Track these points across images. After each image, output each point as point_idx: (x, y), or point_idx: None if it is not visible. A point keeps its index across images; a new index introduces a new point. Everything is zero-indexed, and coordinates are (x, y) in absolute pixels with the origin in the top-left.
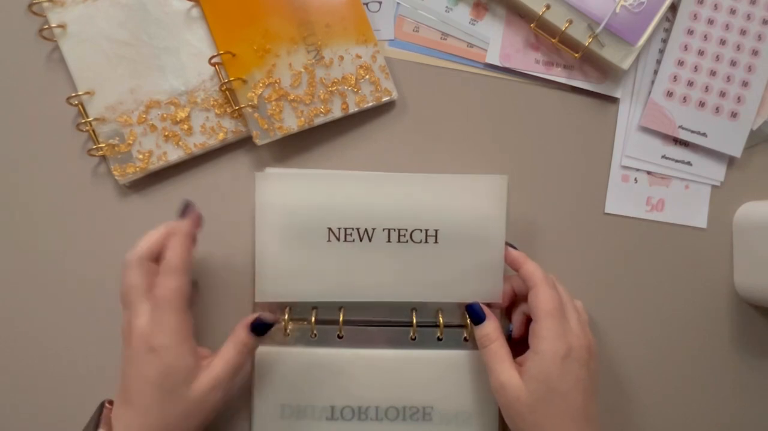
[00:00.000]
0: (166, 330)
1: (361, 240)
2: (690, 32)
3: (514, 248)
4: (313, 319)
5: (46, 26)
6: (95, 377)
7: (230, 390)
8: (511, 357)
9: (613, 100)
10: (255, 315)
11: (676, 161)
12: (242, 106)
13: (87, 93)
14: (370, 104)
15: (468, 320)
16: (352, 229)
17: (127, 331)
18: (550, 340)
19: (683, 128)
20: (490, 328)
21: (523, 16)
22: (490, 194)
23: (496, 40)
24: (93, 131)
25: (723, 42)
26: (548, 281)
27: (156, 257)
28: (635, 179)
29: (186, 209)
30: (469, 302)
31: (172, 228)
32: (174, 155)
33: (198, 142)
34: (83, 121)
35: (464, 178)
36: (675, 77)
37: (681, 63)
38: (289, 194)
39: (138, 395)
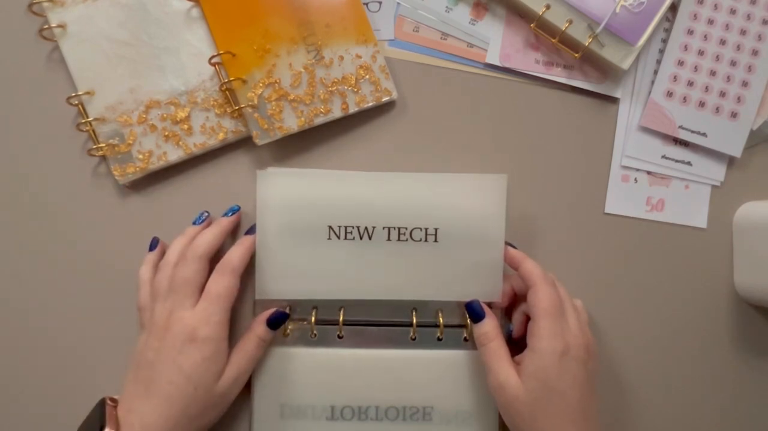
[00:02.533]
0: (213, 324)
1: (361, 238)
2: (690, 32)
3: (513, 247)
4: (313, 319)
5: (46, 26)
6: (95, 375)
7: (245, 382)
8: (509, 356)
9: (613, 100)
10: (271, 310)
11: (676, 161)
12: (242, 106)
13: (87, 93)
14: (370, 104)
15: (468, 320)
16: (353, 227)
17: (164, 322)
18: (548, 338)
19: (683, 128)
20: (489, 326)
21: (523, 16)
22: (490, 193)
23: (496, 40)
24: (93, 131)
25: (723, 42)
26: (547, 280)
27: (211, 257)
28: (635, 179)
29: (253, 229)
30: (469, 300)
31: (243, 239)
32: (174, 155)
33: (198, 142)
34: (83, 121)
35: (464, 177)
36: (675, 77)
37: (681, 63)
38: (290, 192)
39: (164, 386)
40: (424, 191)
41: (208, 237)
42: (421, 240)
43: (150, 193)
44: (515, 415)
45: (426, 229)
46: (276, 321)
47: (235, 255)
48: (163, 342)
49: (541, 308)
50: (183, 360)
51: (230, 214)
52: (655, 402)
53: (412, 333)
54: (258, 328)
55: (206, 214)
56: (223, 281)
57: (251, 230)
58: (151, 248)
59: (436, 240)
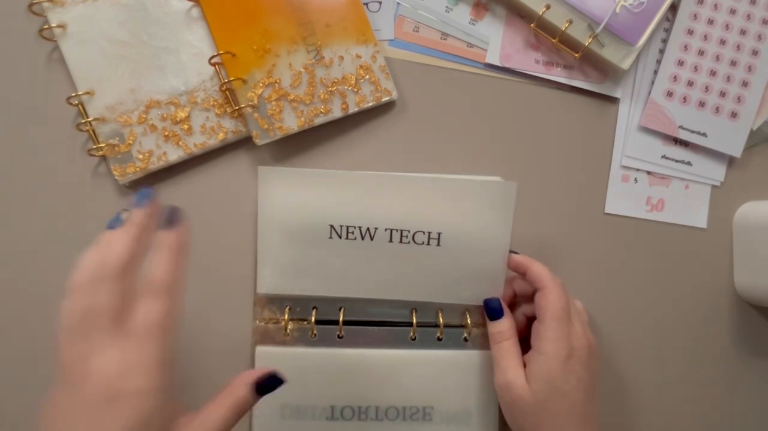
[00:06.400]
0: (143, 369)
1: (363, 239)
2: (690, 32)
3: (516, 253)
4: (313, 319)
5: (46, 26)
6: None
7: None
8: (521, 357)
9: (613, 100)
10: (264, 371)
11: (676, 161)
12: (242, 106)
13: (87, 93)
14: (370, 104)
15: (468, 320)
16: (354, 227)
17: (73, 369)
18: (555, 341)
19: (683, 128)
20: (506, 325)
21: (523, 16)
22: (498, 200)
23: (496, 40)
24: (93, 131)
25: (723, 42)
26: (557, 283)
27: (129, 272)
28: (635, 179)
29: (174, 216)
30: (488, 298)
31: (160, 239)
32: (174, 155)
33: (198, 142)
34: (83, 121)
35: (472, 182)
36: (675, 77)
37: (681, 63)
38: (292, 190)
39: None
40: (429, 195)
41: (119, 246)
42: (423, 244)
43: None
44: (519, 415)
45: (429, 233)
46: (267, 388)
47: (163, 268)
48: (74, 402)
49: (551, 311)
50: (106, 426)
51: (143, 202)
52: (655, 402)
53: (412, 333)
54: (240, 389)
55: (126, 213)
56: (153, 308)
57: (172, 219)
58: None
59: (438, 244)
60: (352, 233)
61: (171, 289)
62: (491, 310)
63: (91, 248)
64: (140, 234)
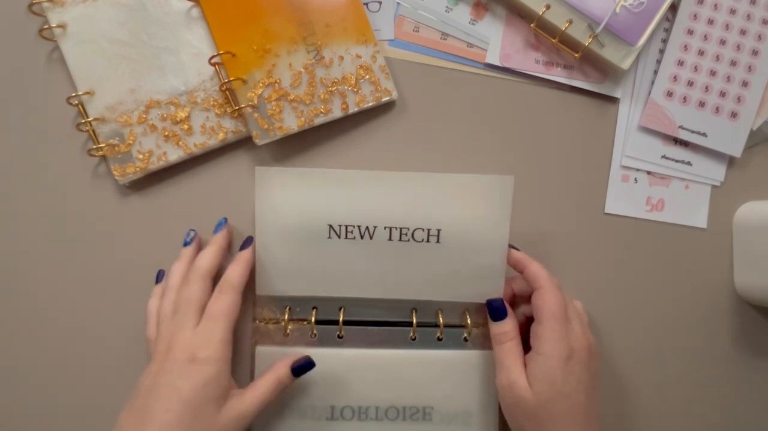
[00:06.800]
0: (215, 343)
1: (362, 238)
2: (690, 32)
3: (516, 249)
4: (313, 319)
5: (46, 26)
6: (94, 374)
7: (248, 423)
8: (523, 357)
9: (613, 100)
10: (299, 357)
11: (676, 161)
12: (242, 106)
13: (87, 93)
14: (370, 104)
15: (468, 320)
16: (353, 226)
17: (166, 345)
18: (554, 342)
19: (683, 128)
20: (510, 326)
21: (523, 16)
22: (495, 194)
23: (496, 40)
24: (93, 131)
25: (723, 42)
26: (553, 283)
27: (211, 275)
28: (635, 179)
29: (249, 241)
30: (491, 298)
31: (238, 255)
32: (174, 155)
33: (198, 142)
34: (83, 121)
35: (469, 178)
36: (675, 77)
37: (681, 63)
38: (290, 190)
39: (161, 414)
40: (427, 192)
41: (209, 256)
42: (422, 241)
43: (150, 193)
44: (519, 415)
45: (428, 230)
46: (301, 369)
47: (235, 273)
48: (163, 365)
49: (548, 311)
50: (182, 384)
51: (220, 228)
52: (655, 402)
53: (412, 333)
54: (281, 370)
55: (193, 232)
56: (224, 299)
57: (246, 245)
58: (157, 280)
59: (438, 241)
60: (351, 232)
61: (239, 289)
62: (495, 310)
63: (177, 262)
64: (219, 251)
